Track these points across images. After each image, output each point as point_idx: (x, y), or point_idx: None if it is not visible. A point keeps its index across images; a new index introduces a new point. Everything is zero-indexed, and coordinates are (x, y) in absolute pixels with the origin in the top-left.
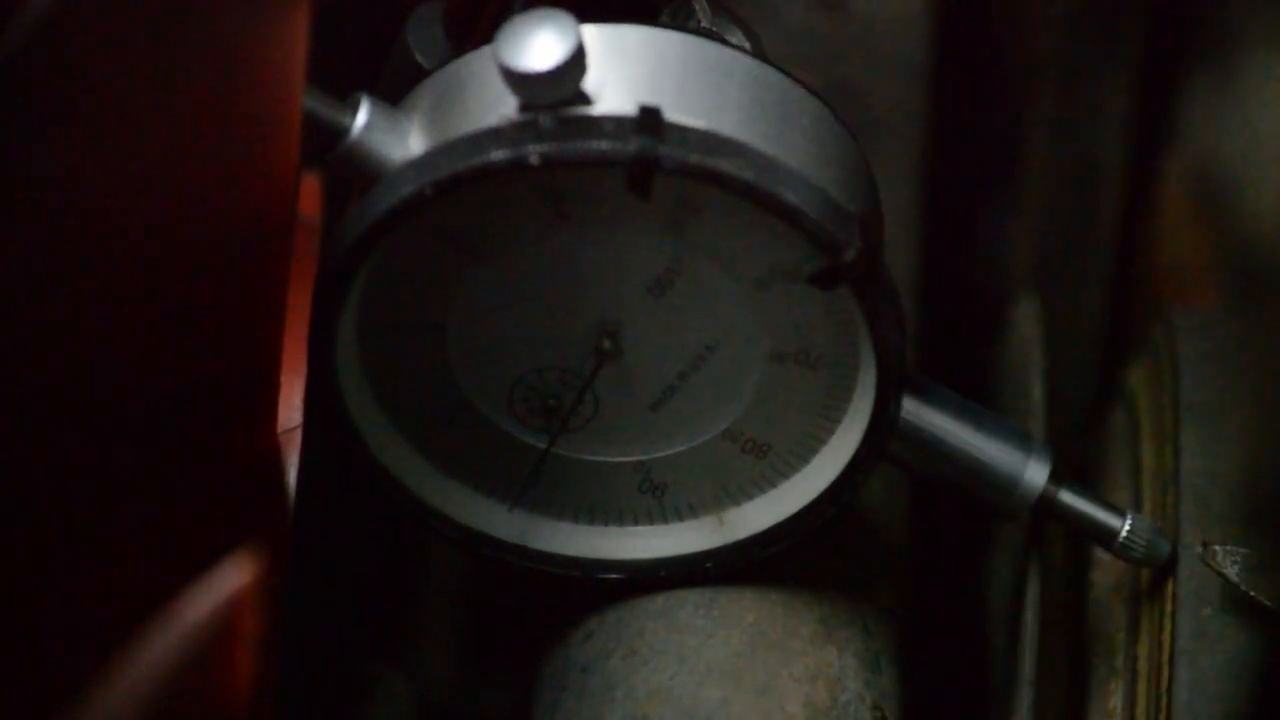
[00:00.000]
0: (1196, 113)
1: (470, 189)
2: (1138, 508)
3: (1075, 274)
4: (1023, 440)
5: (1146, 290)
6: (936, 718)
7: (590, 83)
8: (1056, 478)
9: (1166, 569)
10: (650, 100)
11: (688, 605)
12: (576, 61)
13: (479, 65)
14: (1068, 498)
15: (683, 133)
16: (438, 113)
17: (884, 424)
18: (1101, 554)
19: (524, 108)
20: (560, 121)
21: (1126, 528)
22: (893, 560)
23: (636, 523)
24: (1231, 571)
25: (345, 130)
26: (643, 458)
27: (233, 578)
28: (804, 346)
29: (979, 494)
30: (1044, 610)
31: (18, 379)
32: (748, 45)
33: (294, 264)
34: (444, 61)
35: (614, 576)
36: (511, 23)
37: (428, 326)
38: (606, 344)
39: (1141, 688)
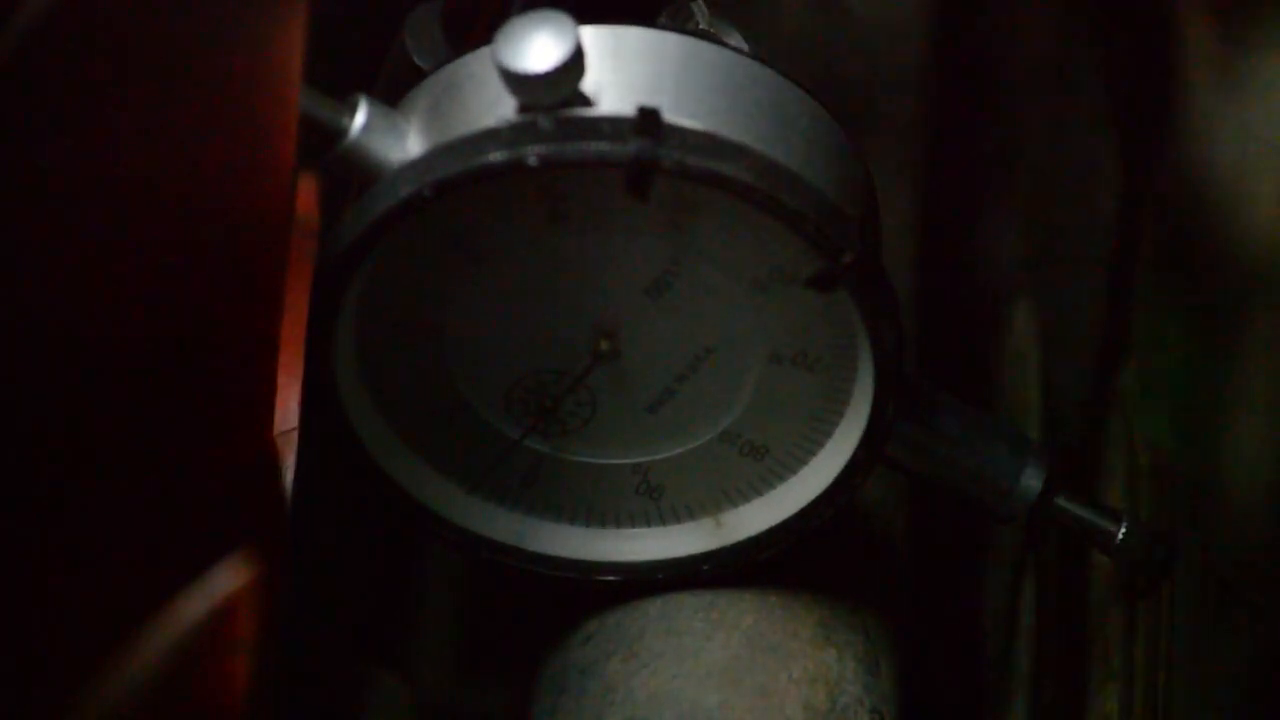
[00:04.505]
0: (1194, 113)
1: (469, 190)
2: (1134, 510)
3: (1072, 274)
4: (1019, 443)
5: (1143, 291)
6: (935, 719)
7: (589, 84)
8: (1053, 481)
9: (1163, 571)
10: (649, 102)
11: (686, 608)
12: (575, 63)
13: (477, 66)
14: (1064, 501)
15: (681, 134)
16: (436, 114)
17: (881, 426)
18: (1098, 556)
19: (522, 109)
20: (559, 123)
21: (1123, 530)
22: (891, 562)
23: (634, 525)
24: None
25: (343, 131)
26: (640, 459)
27: (229, 580)
28: (802, 348)
29: (976, 496)
30: (1041, 612)
31: (14, 380)
32: (746, 47)
33: (291, 266)
34: (442, 63)
35: (611, 578)
36: (510, 24)
37: (426, 328)
38: (604, 345)
39: (1139, 689)
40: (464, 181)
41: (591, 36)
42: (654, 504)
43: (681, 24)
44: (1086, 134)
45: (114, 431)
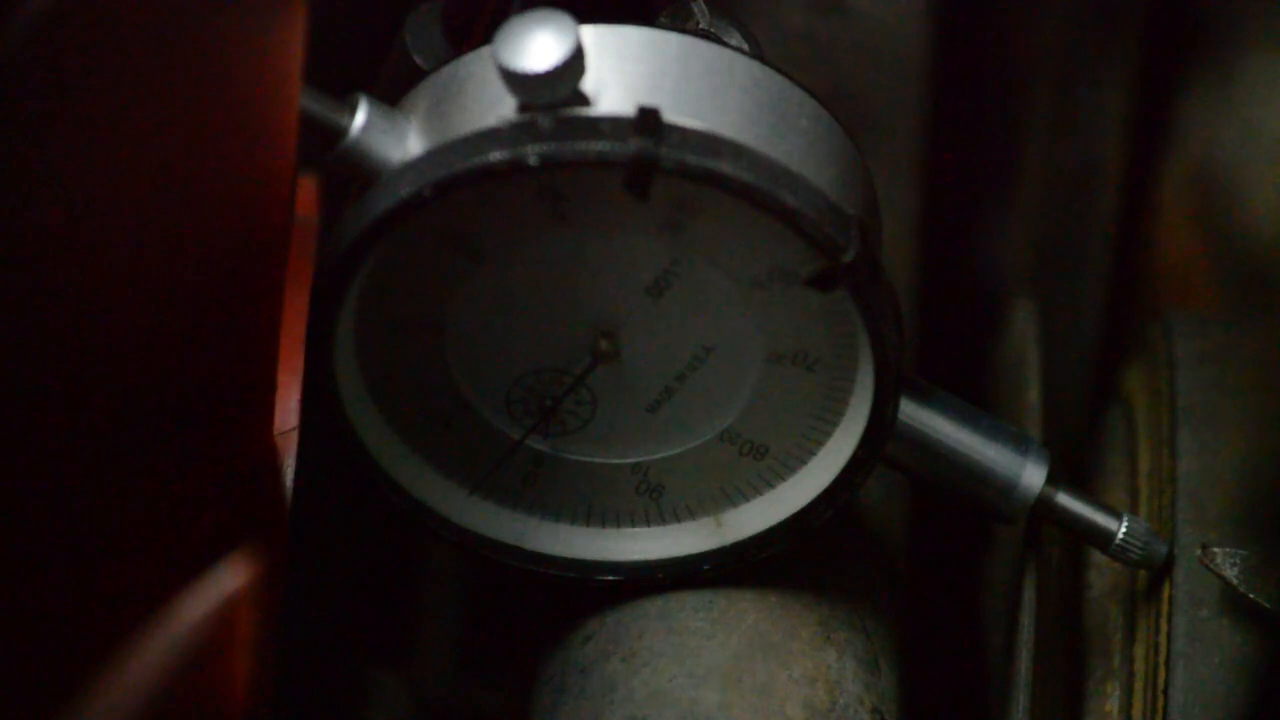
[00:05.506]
0: (1195, 113)
1: (469, 190)
2: (1134, 510)
3: (1072, 275)
4: (1020, 442)
5: (1143, 291)
6: (935, 719)
7: (589, 83)
8: (1053, 480)
9: (1163, 571)
10: (649, 101)
11: (687, 607)
12: (575, 62)
13: (477, 66)
14: (1064, 500)
15: (681, 134)
16: (436, 113)
17: (881, 425)
18: (1098, 556)
19: (523, 108)
20: (559, 122)
21: (1123, 530)
22: (891, 562)
23: (634, 524)
24: (1231, 574)
25: (343, 130)
26: (640, 459)
27: (229, 579)
28: (802, 348)
29: (976, 496)
30: (1040, 612)
31: (15, 380)
32: (746, 47)
33: (291, 265)
34: (442, 62)
35: (611, 578)
36: (510, 23)
37: (426, 327)
38: (604, 345)
39: (1138, 689)
40: (464, 181)
41: (592, 36)
42: (654, 503)
43: (681, 24)
44: (1087, 134)
45: (114, 432)
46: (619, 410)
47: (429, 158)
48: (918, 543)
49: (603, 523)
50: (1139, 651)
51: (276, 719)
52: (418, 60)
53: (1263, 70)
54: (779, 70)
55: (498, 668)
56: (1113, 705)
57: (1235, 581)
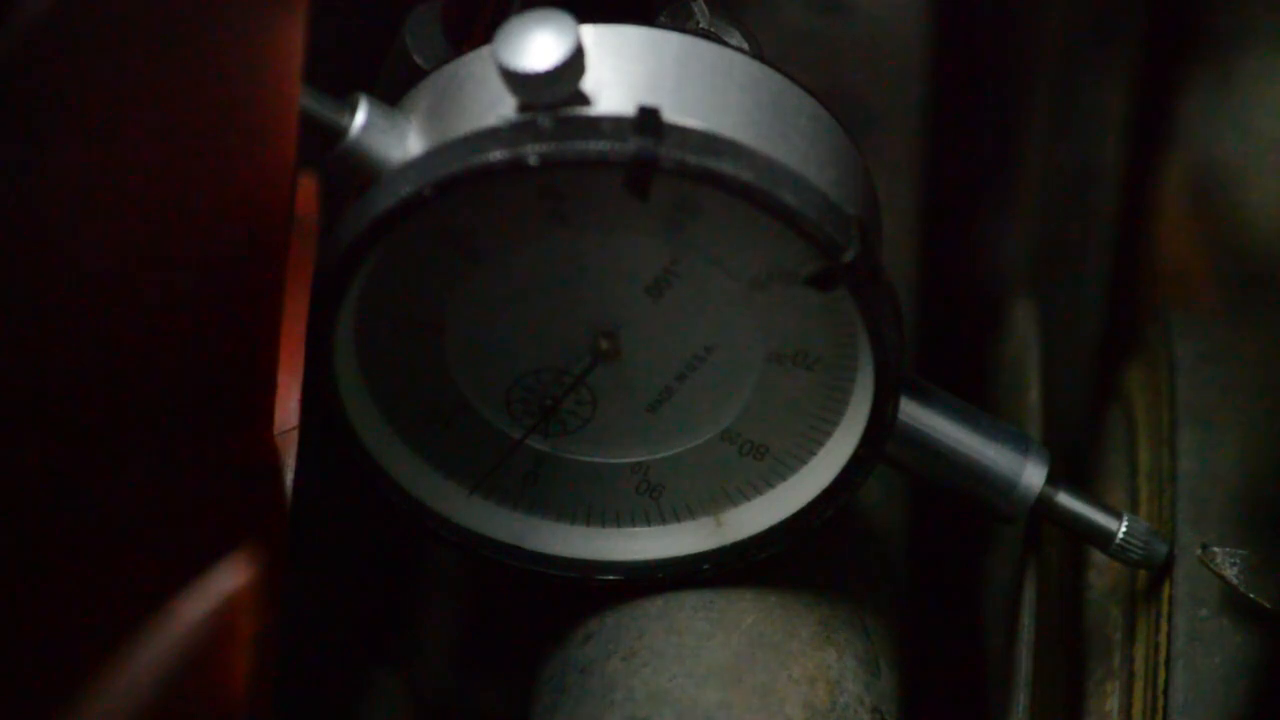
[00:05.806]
0: (1194, 113)
1: (469, 189)
2: (1134, 509)
3: (1072, 274)
4: (1020, 442)
5: (1143, 291)
6: (935, 719)
7: (589, 83)
8: (1054, 479)
9: (1163, 571)
10: (649, 101)
11: (687, 607)
12: (575, 62)
13: (477, 65)
14: (1065, 499)
15: (681, 133)
16: (436, 113)
17: (882, 425)
18: (1098, 556)
19: (522, 108)
20: (559, 122)
21: (1123, 529)
22: (891, 562)
23: (634, 524)
24: (1231, 573)
25: (343, 130)
26: (640, 459)
27: (230, 579)
28: (802, 348)
29: (976, 496)
30: (1041, 612)
31: (14, 380)
32: (746, 46)
33: (291, 265)
34: (442, 62)
35: (611, 578)
36: (510, 23)
37: (426, 327)
38: (604, 345)
39: (1138, 689)
40: (464, 180)
41: (592, 35)
42: (654, 503)
43: (681, 24)
44: (1087, 134)
45: (114, 432)
46: (619, 410)
47: (429, 157)
48: (918, 543)
49: (603, 523)
50: (1139, 651)
51: (278, 718)
52: (418, 60)
53: (1262, 71)
54: (779, 70)
55: (498, 668)
56: (1113, 705)
57: (1235, 581)
